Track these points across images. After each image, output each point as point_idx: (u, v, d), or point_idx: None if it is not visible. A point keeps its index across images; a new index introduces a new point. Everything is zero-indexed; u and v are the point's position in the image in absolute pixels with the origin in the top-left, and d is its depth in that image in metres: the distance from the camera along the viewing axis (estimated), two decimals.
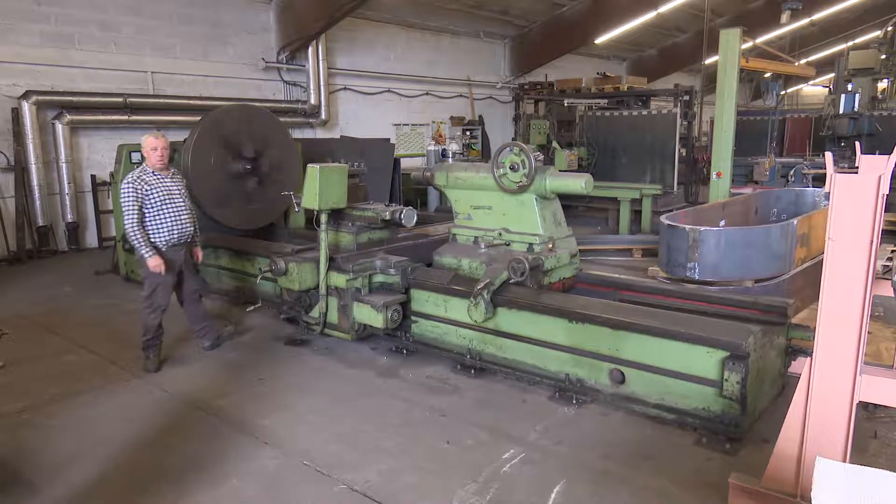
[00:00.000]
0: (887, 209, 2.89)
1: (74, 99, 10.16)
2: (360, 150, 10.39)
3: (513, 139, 16.58)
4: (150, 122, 10.72)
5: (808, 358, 2.84)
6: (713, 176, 9.89)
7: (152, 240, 5.07)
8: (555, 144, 12.92)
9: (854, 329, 2.67)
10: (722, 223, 7.74)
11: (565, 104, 15.10)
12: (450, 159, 13.14)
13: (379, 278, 5.62)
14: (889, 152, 2.55)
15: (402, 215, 5.73)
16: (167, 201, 5.11)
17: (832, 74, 16.45)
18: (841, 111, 13.18)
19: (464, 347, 5.18)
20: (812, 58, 25.27)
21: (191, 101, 11.36)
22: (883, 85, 15.59)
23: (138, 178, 5.02)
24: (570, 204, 11.41)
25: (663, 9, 17.17)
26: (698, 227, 6.40)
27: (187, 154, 6.90)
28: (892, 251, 3.40)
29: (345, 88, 14.58)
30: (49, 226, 10.10)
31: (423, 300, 5.45)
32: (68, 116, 10.07)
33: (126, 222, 4.97)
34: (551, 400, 4.53)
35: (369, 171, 9.27)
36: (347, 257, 5.65)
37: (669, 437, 3.98)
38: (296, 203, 5.87)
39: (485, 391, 4.75)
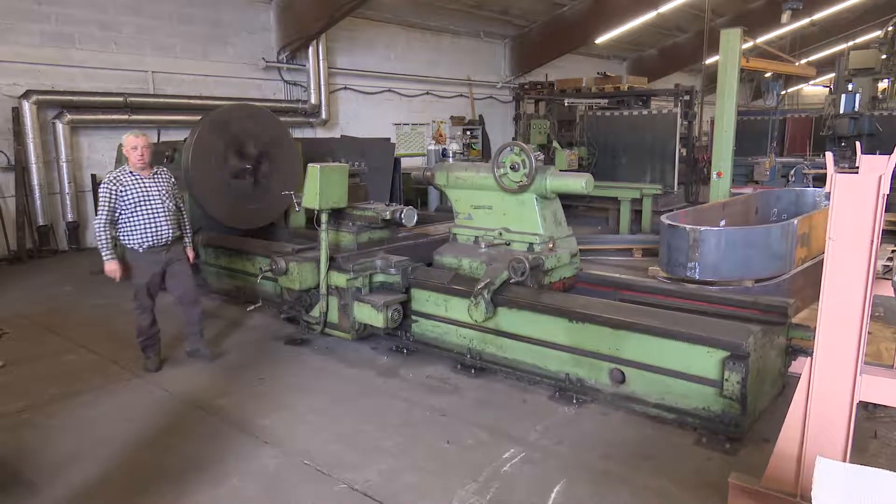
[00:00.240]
0: (887, 209, 2.89)
1: (75, 98, 10.17)
2: (360, 150, 10.39)
3: (513, 139, 16.57)
4: (151, 122, 10.71)
5: (809, 358, 2.84)
6: (713, 176, 9.89)
7: (127, 242, 4.98)
8: (555, 144, 12.92)
9: (854, 329, 2.67)
10: (722, 223, 7.74)
11: (566, 104, 15.09)
12: (450, 159, 13.15)
13: (379, 278, 5.62)
14: (889, 152, 2.54)
15: (403, 215, 5.73)
16: (141, 203, 4.94)
17: (833, 74, 16.44)
18: (841, 111, 13.18)
19: (464, 347, 5.18)
20: (812, 58, 25.25)
21: (191, 101, 11.37)
22: (883, 85, 15.59)
23: (115, 178, 4.93)
24: (571, 204, 11.41)
25: (664, 9, 17.17)
26: (699, 227, 6.40)
27: (188, 153, 6.90)
28: (893, 251, 3.40)
29: (345, 88, 14.58)
30: (49, 225, 10.11)
31: (424, 300, 5.45)
32: (69, 116, 10.07)
33: (95, 221, 4.95)
34: (551, 400, 4.53)
35: (370, 170, 9.30)
36: (348, 257, 5.65)
37: (669, 437, 3.98)
38: (296, 202, 5.87)
39: (485, 391, 4.75)
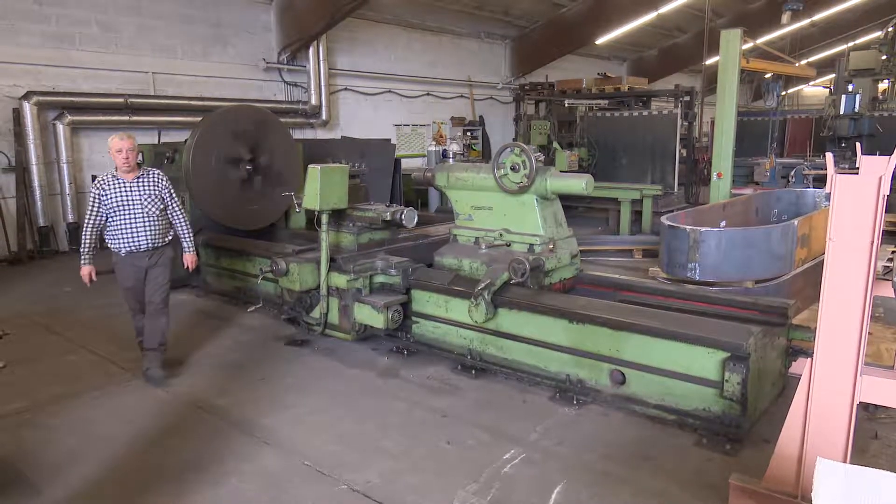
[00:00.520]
0: (888, 210, 2.89)
1: (75, 99, 10.18)
2: (360, 151, 10.39)
3: (513, 140, 16.57)
4: (151, 123, 10.73)
5: (809, 359, 2.84)
6: (714, 176, 9.88)
7: (111, 245, 4.90)
8: (555, 145, 12.92)
9: (854, 330, 2.67)
10: (722, 224, 7.74)
11: (566, 105, 15.10)
12: (450, 160, 13.15)
13: (380, 279, 5.62)
14: (890, 153, 2.55)
15: (403, 216, 5.73)
16: (120, 208, 4.81)
17: (833, 75, 16.46)
18: (841, 112, 13.19)
19: (464, 348, 5.18)
20: (812, 58, 25.27)
21: (191, 102, 11.38)
22: (883, 86, 15.60)
23: (99, 182, 4.87)
24: (571, 204, 11.39)
25: (664, 9, 17.19)
26: (699, 228, 6.40)
27: (188, 155, 6.90)
28: (893, 252, 3.41)
29: (345, 89, 14.59)
30: (50, 226, 10.11)
31: (424, 301, 5.45)
32: (69, 117, 10.08)
33: (84, 223, 4.93)
34: (552, 400, 4.53)
35: (370, 171, 9.28)
36: (348, 258, 5.66)
37: (670, 438, 3.98)
38: (297, 203, 5.87)
39: (485, 392, 4.75)
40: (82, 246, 4.91)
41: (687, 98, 12.85)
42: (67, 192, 10.19)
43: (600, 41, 18.49)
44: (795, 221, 6.72)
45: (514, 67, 18.77)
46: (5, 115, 9.67)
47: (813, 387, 2.81)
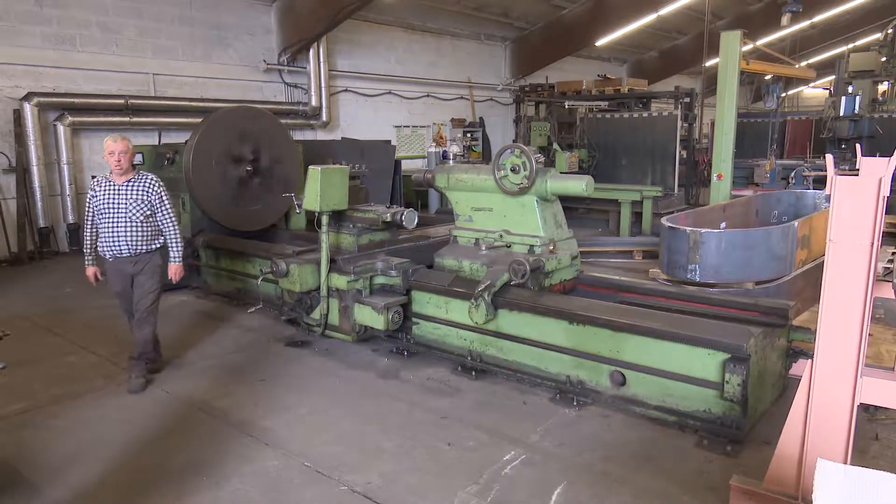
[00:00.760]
0: (888, 211, 2.89)
1: (76, 100, 10.19)
2: (360, 152, 10.41)
3: (513, 141, 16.58)
4: (152, 124, 10.74)
5: (809, 360, 2.84)
6: (714, 178, 9.89)
7: (99, 249, 4.87)
8: (555, 146, 12.93)
9: (855, 331, 2.67)
10: (722, 225, 7.74)
11: (566, 106, 15.11)
12: (451, 161, 13.18)
13: (380, 280, 5.62)
14: (889, 154, 2.55)
15: (403, 217, 5.74)
16: (105, 211, 4.76)
17: (833, 77, 16.46)
18: (841, 113, 13.18)
19: (465, 349, 5.18)
20: (812, 60, 25.29)
21: (192, 103, 11.38)
22: (883, 87, 15.60)
23: (95, 181, 4.89)
24: (571, 206, 11.40)
25: (664, 11, 17.19)
26: (699, 229, 6.41)
27: (188, 156, 6.91)
28: (893, 253, 3.40)
29: (346, 90, 14.59)
30: (50, 227, 10.11)
31: (424, 302, 5.45)
32: (70, 118, 10.09)
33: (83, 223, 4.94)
34: (552, 402, 4.53)
35: (370, 172, 9.31)
36: (348, 259, 5.66)
37: (670, 439, 3.98)
38: (297, 205, 5.88)
39: (486, 393, 4.75)
40: (84, 247, 4.96)
41: (687, 99, 12.86)
42: (68, 192, 10.19)
43: (600, 43, 18.50)
44: (795, 223, 6.73)
45: (514, 69, 18.78)
46: (6, 116, 9.68)
47: (813, 388, 2.81)
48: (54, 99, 9.96)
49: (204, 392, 4.81)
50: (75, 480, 3.59)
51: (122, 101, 10.55)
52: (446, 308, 5.30)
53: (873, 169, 2.56)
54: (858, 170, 2.59)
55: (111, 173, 4.83)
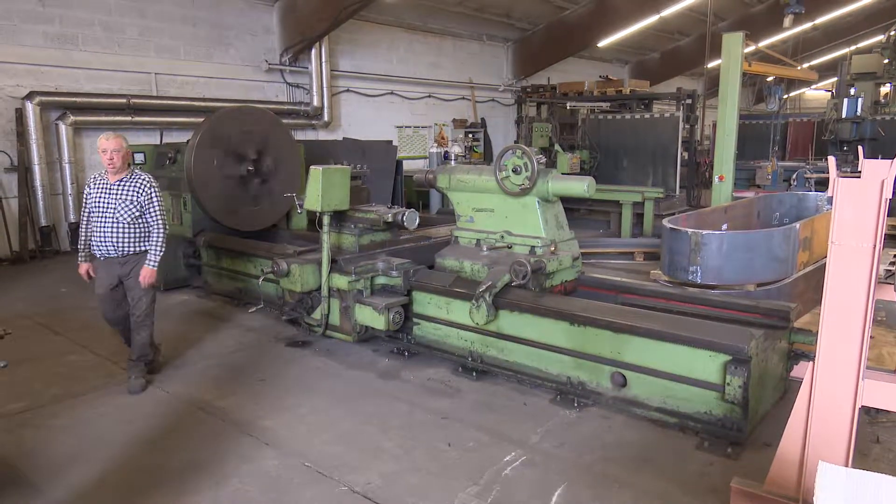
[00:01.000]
0: (890, 213, 2.89)
1: (78, 100, 10.20)
2: (362, 152, 10.41)
3: (515, 142, 16.58)
4: (153, 124, 10.76)
5: (811, 362, 2.83)
6: (715, 179, 9.88)
7: (91, 247, 4.83)
8: (557, 147, 12.92)
9: (856, 333, 2.67)
10: (724, 227, 7.73)
11: (567, 107, 15.11)
12: (452, 162, 13.16)
13: (381, 280, 5.62)
14: (892, 156, 2.55)
15: (405, 217, 5.74)
16: (96, 210, 4.71)
17: (835, 78, 16.45)
18: (843, 115, 13.17)
19: (465, 350, 5.18)
20: (815, 62, 25.28)
21: (194, 103, 11.39)
22: (886, 89, 15.60)
23: (90, 179, 4.84)
24: (573, 207, 11.39)
25: (666, 12, 17.18)
26: (700, 231, 6.40)
27: (190, 155, 6.92)
28: (895, 255, 3.40)
29: (347, 90, 14.60)
30: (52, 226, 10.12)
31: (425, 302, 5.45)
32: (71, 117, 10.09)
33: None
34: (553, 403, 4.53)
35: (371, 172, 9.28)
36: (349, 259, 5.66)
37: (671, 441, 3.97)
38: (298, 205, 5.88)
39: (486, 393, 4.74)
40: (79, 243, 4.90)
41: (689, 101, 12.86)
42: (69, 192, 10.20)
43: (602, 44, 18.50)
44: (797, 225, 6.72)
45: (516, 70, 18.79)
46: (8, 115, 9.70)
47: (814, 390, 2.80)
48: (56, 98, 9.96)
49: (204, 392, 4.81)
50: (75, 480, 3.59)
51: (123, 100, 10.56)
52: (447, 309, 5.29)
53: (875, 171, 2.56)
54: (860, 172, 2.59)
55: (106, 171, 4.78)
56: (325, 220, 5.65)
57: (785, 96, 17.20)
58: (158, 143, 9.11)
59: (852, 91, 13.90)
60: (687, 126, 12.73)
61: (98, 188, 4.76)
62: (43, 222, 9.97)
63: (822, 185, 11.10)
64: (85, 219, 4.84)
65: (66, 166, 10.12)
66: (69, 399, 4.67)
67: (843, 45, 24.38)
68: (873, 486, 2.00)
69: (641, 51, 22.55)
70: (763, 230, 7.44)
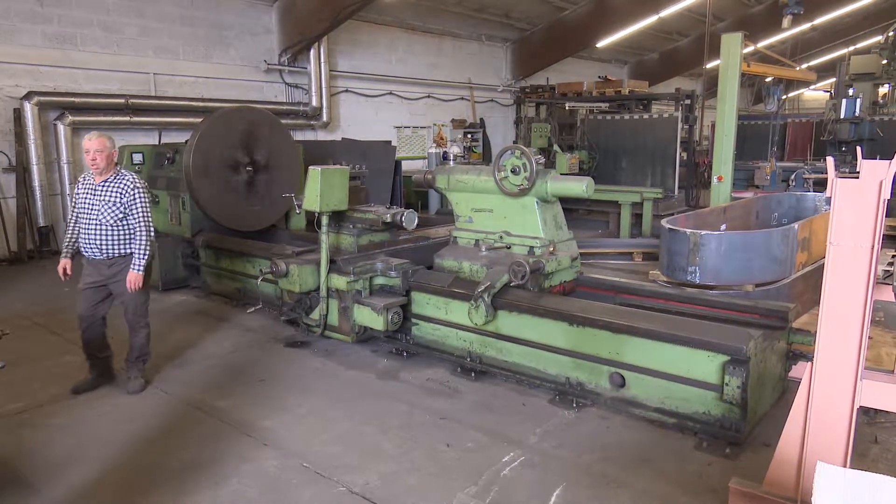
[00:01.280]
0: (888, 214, 2.89)
1: (76, 100, 10.18)
2: (361, 153, 10.39)
3: (514, 142, 16.57)
4: (152, 124, 10.74)
5: (809, 362, 2.84)
6: (714, 180, 9.89)
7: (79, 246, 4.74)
8: (556, 148, 12.93)
9: (855, 334, 2.67)
10: (723, 227, 7.74)
11: (566, 107, 15.11)
12: (451, 162, 13.15)
13: (380, 280, 5.62)
14: (890, 157, 2.55)
15: (403, 218, 5.73)
16: (81, 211, 4.64)
17: (833, 79, 16.47)
18: (842, 116, 13.18)
19: (464, 350, 5.18)
20: (813, 62, 25.30)
21: (192, 103, 11.38)
22: (884, 90, 15.61)
23: (80, 179, 4.76)
24: (571, 207, 11.41)
25: (664, 13, 17.19)
26: (699, 231, 6.40)
27: (189, 155, 6.91)
28: (893, 256, 3.41)
29: (346, 91, 14.60)
30: (50, 226, 10.11)
31: (424, 303, 5.45)
32: (70, 117, 10.08)
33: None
34: (551, 403, 4.53)
35: (370, 173, 9.27)
36: (348, 259, 5.66)
37: (670, 441, 3.98)
38: (297, 205, 5.88)
39: (485, 394, 4.74)
40: (65, 240, 4.81)
41: (688, 101, 12.85)
42: (68, 192, 10.16)
43: (601, 44, 18.51)
44: (796, 225, 6.72)
45: (515, 70, 18.79)
46: (6, 115, 9.68)
47: (813, 391, 2.80)
48: (55, 98, 9.95)
49: (203, 392, 4.80)
50: (74, 479, 3.58)
51: (122, 100, 10.55)
52: (446, 309, 5.29)
53: (874, 172, 2.56)
54: (859, 172, 2.59)
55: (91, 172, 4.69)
56: (324, 220, 5.65)
57: (783, 97, 17.25)
58: (157, 143, 9.09)
59: (851, 91, 13.91)
60: (686, 126, 12.73)
61: (85, 188, 4.68)
62: (41, 222, 9.96)
63: (821, 185, 11.10)
64: (73, 218, 4.74)
65: (65, 166, 10.10)
66: (67, 399, 4.67)
67: (841, 46, 24.40)
68: (871, 487, 2.01)
69: (640, 51, 22.56)
70: (761, 231, 7.44)
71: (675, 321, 4.35)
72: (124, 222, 4.63)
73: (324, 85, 13.53)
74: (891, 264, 3.17)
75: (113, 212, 4.58)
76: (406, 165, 13.45)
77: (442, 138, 16.53)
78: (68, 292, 7.69)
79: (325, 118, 13.76)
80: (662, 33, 20.62)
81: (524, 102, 17.01)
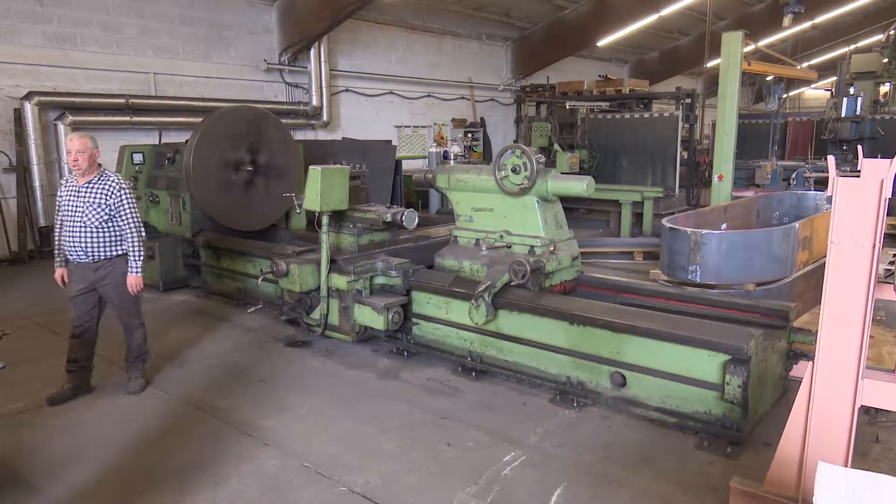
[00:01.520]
0: (889, 213, 2.88)
1: (76, 100, 10.18)
2: (361, 152, 10.39)
3: (514, 141, 16.57)
4: (152, 123, 10.73)
5: (810, 362, 2.83)
6: (715, 179, 9.88)
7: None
8: (556, 147, 12.93)
9: (856, 333, 2.67)
10: (723, 226, 7.73)
11: (567, 107, 15.11)
12: (451, 161, 13.17)
13: (380, 280, 5.62)
14: (891, 156, 2.54)
15: (404, 217, 5.73)
16: (65, 213, 4.53)
17: (834, 78, 16.45)
18: (843, 115, 13.17)
19: (465, 350, 5.17)
20: (814, 61, 25.27)
21: (193, 103, 11.37)
22: (885, 88, 15.59)
23: (62, 182, 4.65)
24: (572, 206, 11.39)
25: (665, 12, 17.18)
26: (700, 230, 6.40)
27: (189, 155, 6.91)
28: (895, 255, 3.40)
29: (346, 90, 14.59)
30: (50, 226, 10.08)
31: (425, 302, 5.45)
32: (70, 117, 10.08)
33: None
34: (552, 403, 4.53)
35: (371, 172, 9.28)
36: (349, 259, 5.65)
37: (670, 441, 3.97)
38: (297, 204, 5.88)
39: (486, 393, 4.74)
40: (54, 248, 4.73)
41: (688, 100, 12.86)
42: None
43: (601, 43, 18.50)
44: (797, 224, 6.72)
45: (515, 69, 18.77)
46: (7, 115, 9.68)
47: (814, 390, 2.80)
48: (55, 98, 9.95)
49: (203, 392, 4.80)
50: (74, 480, 3.58)
51: (122, 100, 10.55)
52: (446, 308, 5.29)
53: (875, 170, 2.55)
54: (860, 171, 2.59)
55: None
56: (324, 219, 5.64)
57: (784, 95, 17.22)
58: (157, 143, 9.09)
59: (852, 90, 13.89)
60: (686, 125, 12.73)
61: (68, 191, 4.55)
62: (42, 222, 9.95)
63: (822, 184, 11.09)
64: (58, 223, 4.62)
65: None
66: (67, 399, 4.66)
67: (842, 45, 24.36)
68: (873, 486, 2.00)
69: (641, 50, 22.54)
70: (762, 230, 7.44)
71: (675, 320, 4.35)
72: (109, 224, 4.53)
73: (324, 84, 13.52)
74: (892, 263, 3.16)
75: (98, 213, 4.47)
76: (406, 165, 13.44)
77: (442, 137, 16.53)
78: (64, 293, 7.74)
79: (325, 118, 13.75)
80: (663, 32, 20.60)
81: (524, 101, 17.01)
